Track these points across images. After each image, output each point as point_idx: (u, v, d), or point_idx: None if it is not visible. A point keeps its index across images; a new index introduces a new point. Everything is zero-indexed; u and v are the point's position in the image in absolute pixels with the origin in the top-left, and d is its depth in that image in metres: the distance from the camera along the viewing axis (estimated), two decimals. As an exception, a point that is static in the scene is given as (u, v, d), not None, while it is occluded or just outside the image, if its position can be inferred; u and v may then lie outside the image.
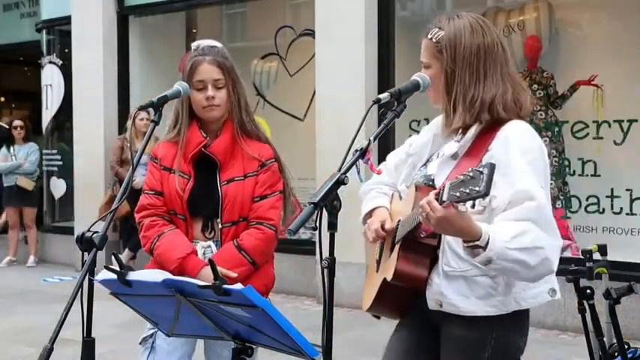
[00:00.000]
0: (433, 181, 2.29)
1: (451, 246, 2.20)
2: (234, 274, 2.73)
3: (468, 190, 1.86)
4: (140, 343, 2.94)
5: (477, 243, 2.00)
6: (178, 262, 2.77)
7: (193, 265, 2.78)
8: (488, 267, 2.05)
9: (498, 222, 2.08)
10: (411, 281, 2.24)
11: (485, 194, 1.84)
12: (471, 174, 1.87)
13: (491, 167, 1.86)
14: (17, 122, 10.22)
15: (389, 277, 2.24)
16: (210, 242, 2.89)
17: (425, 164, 2.39)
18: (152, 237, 2.87)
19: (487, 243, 1.99)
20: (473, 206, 1.88)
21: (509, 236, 2.01)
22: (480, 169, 1.86)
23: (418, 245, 2.22)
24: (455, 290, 2.19)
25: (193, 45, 2.96)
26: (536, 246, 2.03)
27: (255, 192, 2.88)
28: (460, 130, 2.32)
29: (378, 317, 2.53)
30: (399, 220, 2.32)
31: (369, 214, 2.49)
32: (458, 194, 1.88)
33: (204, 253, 2.87)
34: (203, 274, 2.73)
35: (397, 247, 2.26)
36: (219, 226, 2.87)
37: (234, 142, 2.91)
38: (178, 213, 2.88)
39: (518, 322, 2.26)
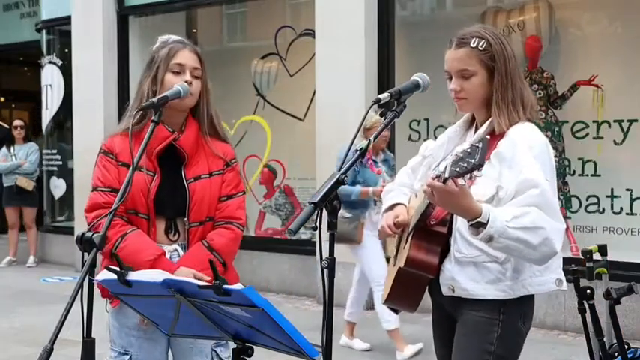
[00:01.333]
0: None
1: (462, 233, 2.34)
2: (207, 277, 2.50)
3: (465, 164, 2.02)
4: None
5: (479, 220, 2.13)
6: (149, 263, 2.59)
7: (165, 267, 2.54)
8: (491, 245, 2.18)
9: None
10: (422, 267, 2.37)
11: (480, 165, 1.99)
12: (468, 150, 2.03)
13: (485, 141, 2.01)
14: (17, 122, 10.23)
15: (402, 264, 2.38)
16: (175, 245, 2.74)
17: (439, 164, 2.50)
18: (113, 238, 2.63)
19: (488, 220, 2.13)
20: (471, 178, 2.04)
21: (511, 216, 2.16)
22: (477, 144, 2.01)
23: (429, 234, 2.38)
24: (466, 275, 2.34)
25: (162, 38, 2.82)
26: (537, 226, 2.17)
27: (221, 191, 2.78)
28: (474, 133, 2.49)
29: (397, 311, 2.67)
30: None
31: (390, 210, 2.64)
32: (457, 169, 2.03)
33: (170, 258, 2.71)
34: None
35: (410, 236, 2.41)
36: (186, 226, 2.72)
37: (199, 139, 2.78)
38: (141, 213, 2.70)
39: (523, 307, 2.40)
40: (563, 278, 2.42)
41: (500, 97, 2.39)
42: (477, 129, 2.51)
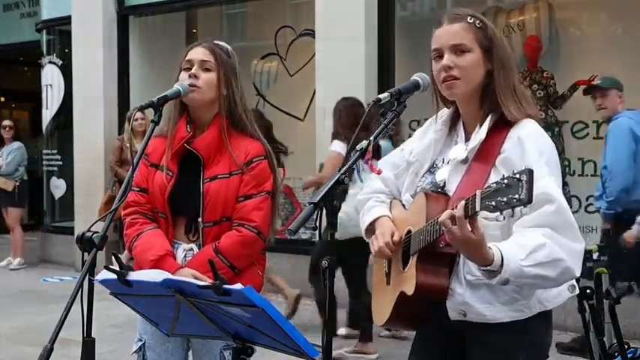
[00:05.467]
0: (442, 188, 2.23)
1: None
2: (210, 280, 2.44)
3: (505, 199, 1.79)
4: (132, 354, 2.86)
5: (489, 268, 1.95)
6: (151, 263, 2.62)
7: (167, 268, 2.55)
8: (507, 285, 2.01)
9: (516, 230, 2.03)
10: (433, 293, 2.16)
11: (529, 202, 1.77)
12: (506, 181, 1.80)
13: (530, 173, 1.78)
14: (5, 122, 10.14)
15: (409, 291, 2.15)
16: (192, 245, 2.75)
17: (429, 170, 2.32)
18: (131, 236, 2.75)
19: (501, 265, 1.94)
20: (512, 215, 1.82)
21: (525, 253, 1.96)
22: (517, 176, 1.79)
23: (437, 255, 2.14)
24: (479, 299, 2.13)
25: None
26: (554, 258, 1.98)
27: (239, 191, 2.72)
28: (464, 133, 2.28)
29: (389, 330, 2.46)
30: (409, 231, 2.25)
31: (372, 225, 2.41)
32: (494, 203, 1.81)
33: (184, 256, 2.74)
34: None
35: (414, 259, 2.17)
36: (201, 225, 2.72)
37: (222, 138, 2.74)
38: (160, 211, 2.76)
39: (547, 322, 2.24)
40: (576, 283, 2.25)
41: (503, 82, 2.17)
42: (465, 127, 2.29)
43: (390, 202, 2.46)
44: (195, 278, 2.50)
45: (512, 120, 2.15)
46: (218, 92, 2.75)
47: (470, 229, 1.89)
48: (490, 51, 2.18)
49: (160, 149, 2.80)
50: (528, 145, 2.10)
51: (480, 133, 2.18)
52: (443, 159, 2.31)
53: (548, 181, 2.04)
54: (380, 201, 2.46)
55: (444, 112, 2.34)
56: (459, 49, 2.17)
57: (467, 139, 2.27)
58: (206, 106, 2.76)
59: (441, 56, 2.20)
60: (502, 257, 1.94)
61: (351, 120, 5.47)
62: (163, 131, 2.81)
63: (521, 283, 2.01)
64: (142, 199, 2.78)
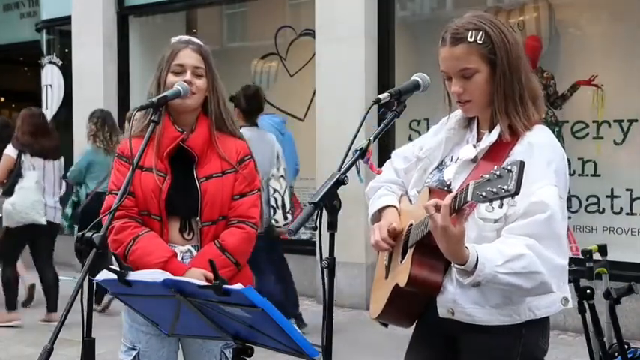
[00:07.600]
0: (449, 186, 2.22)
1: None
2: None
3: (495, 190, 1.80)
4: None
5: (463, 267, 1.97)
6: (159, 266, 2.58)
7: (175, 269, 2.56)
8: (478, 287, 2.02)
9: (504, 234, 2.03)
10: (425, 287, 2.15)
11: (516, 193, 1.78)
12: (497, 172, 1.81)
13: (521, 165, 1.79)
14: None
15: (402, 283, 2.15)
16: (188, 246, 2.75)
17: (438, 168, 2.32)
18: (126, 240, 2.68)
19: (475, 266, 1.95)
20: (500, 206, 1.83)
21: (503, 260, 1.96)
22: (509, 167, 1.80)
23: (433, 249, 2.09)
24: (469, 299, 2.11)
25: (174, 39, 2.85)
26: (532, 271, 1.98)
27: (234, 189, 2.76)
28: (477, 134, 2.28)
29: (386, 325, 2.44)
30: (411, 224, 2.25)
31: (379, 213, 2.41)
32: (484, 194, 1.82)
33: (182, 259, 2.73)
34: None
35: (410, 251, 2.17)
36: (199, 225, 2.72)
37: (210, 137, 2.77)
38: (153, 214, 2.72)
39: (542, 328, 2.22)
40: (569, 296, 2.22)
41: (505, 97, 2.14)
42: (478, 126, 2.29)
43: (401, 195, 2.46)
44: (206, 277, 2.52)
45: (511, 135, 2.14)
46: (207, 96, 2.78)
47: (450, 220, 1.90)
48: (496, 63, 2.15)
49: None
50: (538, 152, 2.09)
51: (491, 137, 2.18)
52: (452, 157, 2.31)
53: (549, 191, 2.03)
54: (391, 191, 2.46)
55: (459, 112, 2.33)
56: (465, 74, 2.16)
57: (479, 139, 2.27)
58: (192, 110, 2.79)
59: (449, 78, 2.21)
60: (477, 259, 1.95)
61: (32, 128, 6.58)
62: (139, 132, 2.77)
63: (494, 287, 2.02)
64: (128, 203, 2.70)
